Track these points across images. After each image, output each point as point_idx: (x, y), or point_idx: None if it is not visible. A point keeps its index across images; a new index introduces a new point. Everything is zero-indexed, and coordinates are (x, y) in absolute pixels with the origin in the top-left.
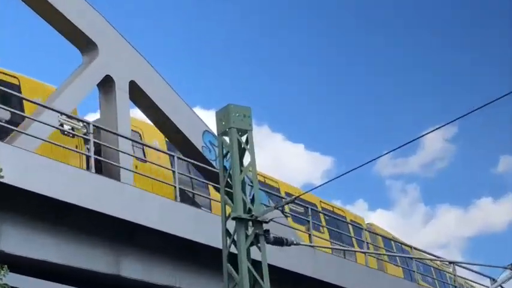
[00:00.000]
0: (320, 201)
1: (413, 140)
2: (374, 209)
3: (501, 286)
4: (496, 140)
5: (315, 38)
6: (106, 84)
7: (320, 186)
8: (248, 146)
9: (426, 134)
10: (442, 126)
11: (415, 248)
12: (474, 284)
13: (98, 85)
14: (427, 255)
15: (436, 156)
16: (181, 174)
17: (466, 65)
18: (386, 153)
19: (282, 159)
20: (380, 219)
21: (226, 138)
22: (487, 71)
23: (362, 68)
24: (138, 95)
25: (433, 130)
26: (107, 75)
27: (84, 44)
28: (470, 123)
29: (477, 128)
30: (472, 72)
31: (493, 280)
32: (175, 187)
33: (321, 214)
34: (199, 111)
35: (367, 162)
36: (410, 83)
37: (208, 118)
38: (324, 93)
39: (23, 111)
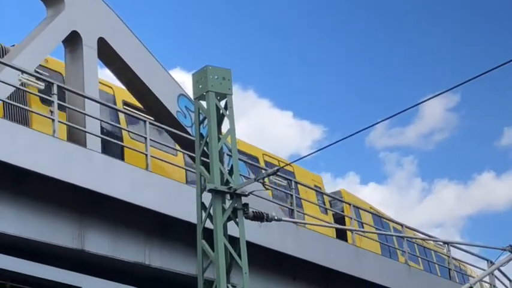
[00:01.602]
0: (263, 153)
1: (411, 108)
2: (366, 182)
3: (499, 269)
4: (501, 110)
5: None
6: (72, 41)
7: (307, 156)
8: (227, 112)
9: (425, 101)
10: (442, 93)
11: (407, 227)
12: (470, 267)
13: (63, 42)
14: (420, 235)
15: (436, 127)
16: (153, 141)
17: (472, 30)
18: (381, 121)
19: (269, 127)
20: (372, 194)
21: (204, 103)
22: (495, 39)
23: (358, 29)
24: (107, 54)
25: (432, 97)
26: (73, 31)
27: None
28: (474, 92)
29: (481, 97)
30: (479, 39)
31: (491, 262)
32: (146, 155)
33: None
34: (179, 73)
35: (359, 131)
36: (411, 48)
37: (189, 81)
38: (315, 56)
39: None
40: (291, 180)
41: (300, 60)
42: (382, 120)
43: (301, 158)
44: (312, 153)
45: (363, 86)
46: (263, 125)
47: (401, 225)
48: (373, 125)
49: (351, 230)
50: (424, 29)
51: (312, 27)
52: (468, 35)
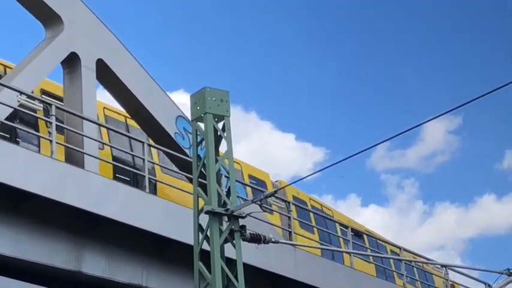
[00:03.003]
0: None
1: (411, 129)
2: (367, 204)
3: None
4: (503, 133)
5: (311, 20)
6: (71, 62)
7: (305, 178)
8: (225, 134)
9: (425, 122)
10: (443, 114)
11: (405, 249)
12: None
13: (62, 63)
14: (419, 258)
15: (437, 149)
16: (151, 162)
17: (475, 52)
18: (381, 142)
19: (271, 149)
20: (373, 216)
21: (201, 125)
22: (498, 59)
23: (360, 52)
24: (105, 75)
25: (432, 118)
26: (72, 52)
27: (48, 17)
28: (476, 115)
29: (483, 120)
30: (481, 62)
31: (488, 286)
32: (144, 176)
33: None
34: (183, 95)
35: (359, 153)
36: (414, 72)
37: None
38: (317, 79)
39: None
40: (289, 203)
41: (302, 83)
42: (383, 142)
43: (300, 180)
44: (310, 175)
45: (366, 109)
46: (265, 147)
47: (399, 247)
48: (373, 146)
49: (349, 253)
50: (426, 52)
51: (314, 51)
52: (470, 58)
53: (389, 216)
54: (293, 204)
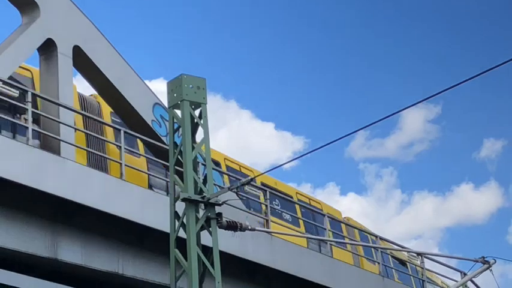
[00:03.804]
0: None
1: (390, 116)
2: (346, 193)
3: (472, 280)
4: (481, 122)
5: (288, 10)
6: (47, 49)
7: (283, 164)
8: (202, 121)
9: (404, 109)
10: (421, 101)
11: (381, 238)
12: (443, 278)
13: (38, 49)
14: (394, 246)
15: (416, 138)
16: (128, 149)
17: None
18: (358, 129)
19: (250, 138)
20: (352, 205)
21: (178, 112)
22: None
23: (340, 42)
24: (82, 62)
25: (412, 105)
26: (48, 39)
27: (24, 3)
28: (455, 104)
29: (462, 109)
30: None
31: (464, 274)
32: (120, 164)
33: None
34: (162, 83)
35: (336, 140)
36: (393, 60)
37: None
38: (297, 68)
39: None
40: (265, 191)
41: (282, 72)
42: (360, 129)
43: (278, 167)
44: (288, 162)
45: (345, 99)
46: (245, 136)
47: (376, 236)
48: (350, 134)
49: (325, 241)
50: (406, 41)
51: (294, 40)
52: (449, 47)
53: (368, 204)
54: (270, 192)
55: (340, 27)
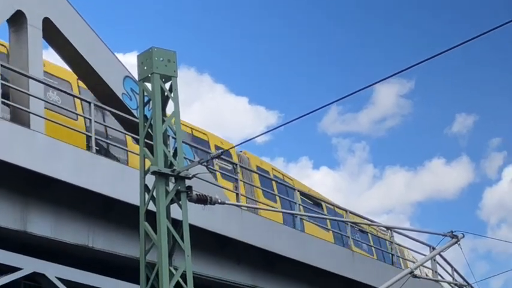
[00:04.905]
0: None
1: (362, 89)
2: (318, 167)
3: (440, 254)
4: (454, 98)
5: None
6: (17, 20)
7: (255, 137)
8: (172, 94)
9: (376, 82)
10: (393, 75)
11: (351, 212)
12: (412, 252)
13: (7, 21)
14: (364, 220)
15: (388, 113)
16: (98, 123)
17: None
18: (330, 103)
19: (224, 112)
20: (324, 179)
21: (148, 85)
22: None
23: (313, 15)
24: (52, 34)
25: (384, 79)
26: (18, 11)
27: None
28: (428, 79)
29: (435, 84)
30: (434, 24)
31: (432, 248)
32: (90, 137)
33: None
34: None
35: (307, 114)
36: (367, 35)
37: None
38: (271, 43)
39: None
40: (236, 164)
41: (256, 46)
42: (332, 103)
43: (250, 140)
44: (260, 135)
45: (319, 73)
46: (218, 110)
47: (346, 210)
48: (323, 107)
49: (295, 214)
50: (379, 14)
51: (267, 14)
52: (424, 21)
53: (340, 179)
54: (241, 166)
55: (312, 3)
